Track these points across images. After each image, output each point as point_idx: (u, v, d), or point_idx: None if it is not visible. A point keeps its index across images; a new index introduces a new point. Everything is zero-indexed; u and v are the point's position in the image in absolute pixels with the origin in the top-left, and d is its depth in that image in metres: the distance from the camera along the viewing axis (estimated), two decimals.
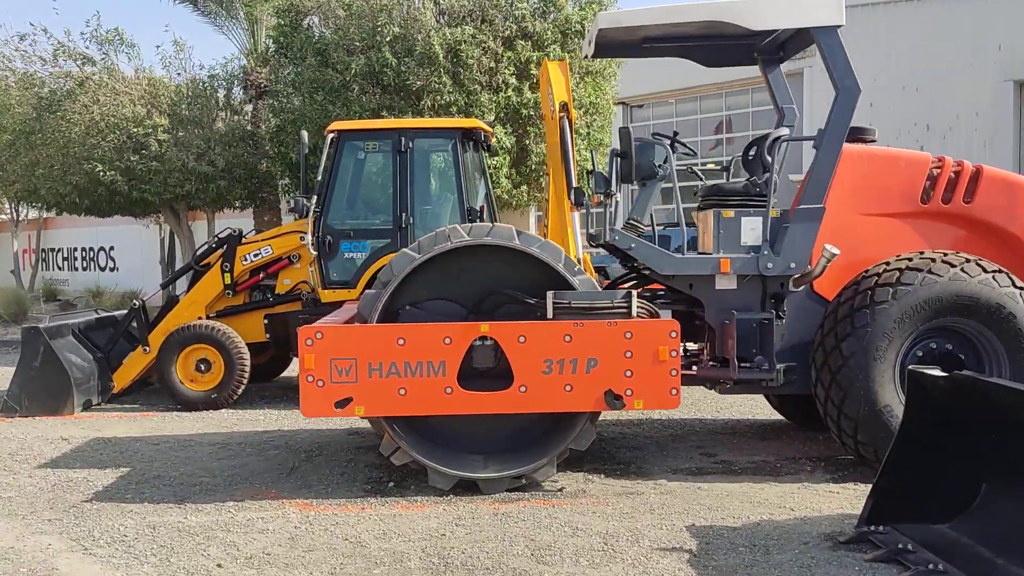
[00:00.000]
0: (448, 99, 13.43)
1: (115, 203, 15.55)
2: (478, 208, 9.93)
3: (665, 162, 7.32)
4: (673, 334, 6.08)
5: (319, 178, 9.91)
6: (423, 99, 13.57)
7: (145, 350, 10.15)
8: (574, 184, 9.75)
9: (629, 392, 6.11)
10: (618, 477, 6.67)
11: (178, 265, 23.84)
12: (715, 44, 7.83)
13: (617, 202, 7.07)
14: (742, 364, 6.70)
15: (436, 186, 10.39)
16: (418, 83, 13.34)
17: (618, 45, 7.67)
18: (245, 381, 9.84)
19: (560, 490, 6.31)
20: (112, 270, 27.65)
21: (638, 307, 6.20)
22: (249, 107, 16.05)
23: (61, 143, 15.09)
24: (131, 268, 26.30)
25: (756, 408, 9.18)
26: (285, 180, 14.71)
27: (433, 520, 5.70)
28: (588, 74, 14.44)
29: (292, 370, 12.06)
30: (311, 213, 9.82)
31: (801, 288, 6.89)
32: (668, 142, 7.51)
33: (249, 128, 15.65)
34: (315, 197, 9.88)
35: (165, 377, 9.81)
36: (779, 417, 8.60)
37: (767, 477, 6.59)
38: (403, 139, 9.80)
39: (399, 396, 6.09)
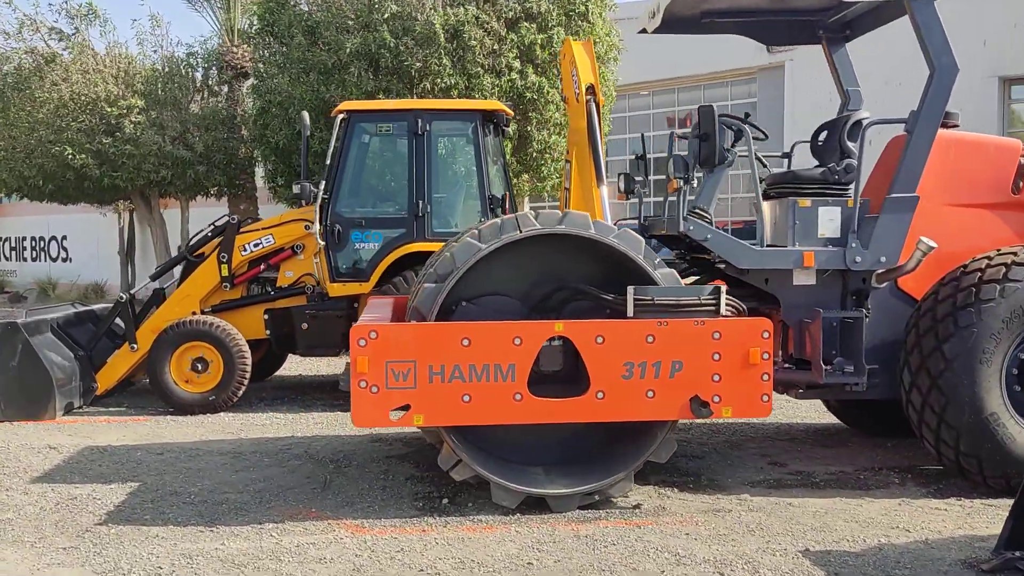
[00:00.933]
0: (448, 82, 12.72)
1: (83, 189, 14.50)
2: (500, 197, 9.25)
3: (733, 146, 6.71)
4: (765, 334, 5.49)
5: (327, 162, 9.15)
6: (421, 81, 12.84)
7: (132, 348, 9.29)
8: (604, 171, 9.18)
9: (716, 399, 5.51)
10: (692, 491, 6.06)
11: (139, 257, 22.85)
12: (779, 20, 7.29)
13: (687, 189, 6.42)
14: (825, 367, 6.14)
15: (455, 173, 9.67)
16: (417, 64, 12.60)
17: (680, 20, 7.04)
18: (246, 382, 9.04)
19: (636, 507, 5.68)
20: (65, 261, 26.39)
21: (726, 304, 5.58)
22: (238, 85, 15.08)
23: (27, 124, 14.00)
24: (86, 259, 25.09)
25: (798, 412, 8.65)
26: (269, 165, 13.81)
27: (510, 544, 5.03)
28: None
29: (287, 369, 11.28)
30: (319, 200, 9.06)
31: (884, 284, 6.35)
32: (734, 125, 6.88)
33: (228, 111, 14.70)
34: (323, 183, 9.11)
35: (157, 378, 8.97)
36: (830, 420, 8.08)
37: (856, 491, 6.03)
38: (419, 121, 9.08)
39: (463, 404, 5.40)
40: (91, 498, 6.04)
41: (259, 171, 15.45)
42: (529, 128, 13.32)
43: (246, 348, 9.04)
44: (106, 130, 14.00)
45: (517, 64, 12.96)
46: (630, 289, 5.51)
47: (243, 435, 8.01)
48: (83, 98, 13.91)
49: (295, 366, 11.60)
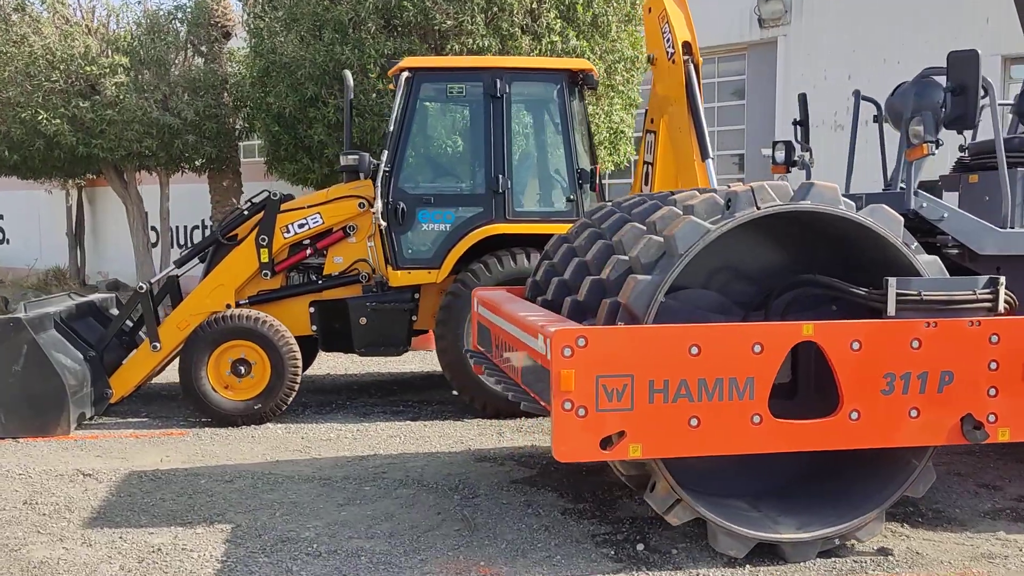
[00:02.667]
0: (480, 43, 11.38)
1: (53, 159, 12.71)
2: (589, 171, 8.03)
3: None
4: None
5: (390, 129, 7.81)
6: (449, 42, 11.49)
7: (154, 348, 7.82)
8: (708, 140, 8.07)
9: (992, 418, 4.44)
10: (928, 527, 4.99)
11: (88, 240, 20.92)
12: None
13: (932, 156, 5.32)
14: None
15: (537, 142, 8.40)
16: (447, 23, 11.23)
17: None
18: (296, 387, 7.69)
19: (886, 553, 4.59)
20: (1, 243, 24.16)
21: (1005, 298, 4.51)
22: (220, 47, 13.44)
23: None
24: (25, 242, 22.98)
25: None
26: (271, 136, 12.25)
27: None
28: (630, 22, 12.61)
29: (317, 368, 9.90)
30: (380, 173, 7.73)
31: None
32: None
33: (220, 73, 13.08)
34: (384, 153, 7.78)
35: (191, 383, 7.55)
36: None
37: None
38: (498, 81, 7.79)
39: (689, 429, 4.22)
40: (180, 549, 4.70)
41: (251, 143, 13.91)
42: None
43: (296, 347, 7.68)
44: (83, 92, 12.26)
45: (558, 25, 11.70)
46: (891, 281, 4.39)
47: (313, 453, 6.69)
48: (58, 55, 12.15)
49: (317, 364, 10.20)
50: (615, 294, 4.57)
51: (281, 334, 7.60)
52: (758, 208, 4.34)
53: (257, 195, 8.17)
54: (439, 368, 8.02)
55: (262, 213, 8.02)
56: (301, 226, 8.04)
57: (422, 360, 10.54)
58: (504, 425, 7.47)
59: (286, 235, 8.02)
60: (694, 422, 4.21)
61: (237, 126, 13.29)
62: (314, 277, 8.20)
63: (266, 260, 7.96)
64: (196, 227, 18.46)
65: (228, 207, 14.75)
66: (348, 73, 8.68)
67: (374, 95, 11.36)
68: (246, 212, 8.09)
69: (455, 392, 7.96)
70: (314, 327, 8.07)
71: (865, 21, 18.10)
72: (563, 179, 7.99)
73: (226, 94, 13.51)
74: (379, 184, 7.75)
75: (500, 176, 7.77)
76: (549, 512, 5.23)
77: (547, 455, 6.47)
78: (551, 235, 7.76)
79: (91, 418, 7.70)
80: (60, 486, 5.85)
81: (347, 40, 11.45)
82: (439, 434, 7.23)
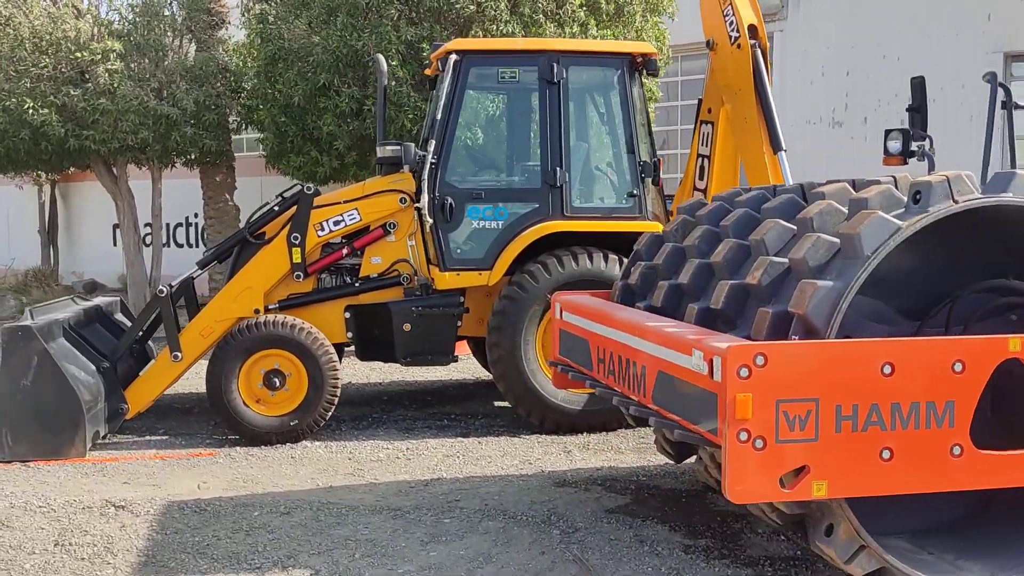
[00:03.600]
0: (504, 30, 10.70)
1: (39, 152, 11.75)
2: (652, 163, 7.39)
3: None
4: None
5: (437, 116, 7.10)
6: (471, 29, 10.80)
7: (175, 358, 7.04)
8: (779, 131, 7.49)
9: None
10: None
11: (61, 238, 19.86)
12: None
13: None
14: None
15: (596, 132, 7.73)
16: (470, 8, 10.54)
17: None
18: (336, 401, 6.96)
19: None
20: None
21: None
22: (215, 34, 12.58)
23: None
24: None
25: None
26: (275, 128, 11.45)
27: None
28: (655, 12, 12.00)
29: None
30: (427, 166, 7.04)
31: None
32: None
33: (220, 61, 12.22)
34: (431, 143, 7.08)
35: (221, 397, 6.79)
36: None
37: None
38: (555, 66, 7.12)
39: (880, 463, 3.57)
40: None
41: (243, 136, 13.08)
42: None
43: (336, 357, 6.95)
44: (73, 79, 11.35)
45: (581, 13, 11.06)
46: None
47: (368, 477, 5.97)
48: (46, 38, 11.21)
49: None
50: (766, 301, 3.94)
51: (320, 342, 6.86)
52: (955, 202, 3.72)
53: (288, 189, 7.42)
54: (468, 376, 7.35)
55: (293, 209, 7.28)
56: (337, 223, 7.31)
57: (446, 367, 9.81)
58: (567, 442, 6.81)
59: (320, 233, 7.28)
60: (886, 454, 3.57)
61: (234, 117, 12.44)
62: (348, 279, 7.48)
63: (299, 260, 7.21)
64: (180, 224, 17.56)
65: (221, 203, 13.93)
66: (382, 57, 7.99)
67: (393, 83, 10.64)
68: (276, 208, 7.33)
69: (508, 404, 7.28)
70: (349, 334, 7.34)
71: (863, 16, 17.71)
72: (625, 173, 7.34)
73: (219, 83, 12.66)
74: (426, 177, 7.04)
75: (557, 169, 7.09)
76: (669, 550, 4.58)
77: (633, 478, 5.82)
78: (610, 233, 7.21)
79: (104, 437, 6.91)
80: (92, 521, 5.08)
81: (363, 26, 10.73)
82: (500, 452, 6.54)
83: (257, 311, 7.12)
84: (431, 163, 7.06)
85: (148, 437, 7.11)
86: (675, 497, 5.42)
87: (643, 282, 5.25)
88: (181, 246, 17.52)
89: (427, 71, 8.29)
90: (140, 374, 7.18)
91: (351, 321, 7.35)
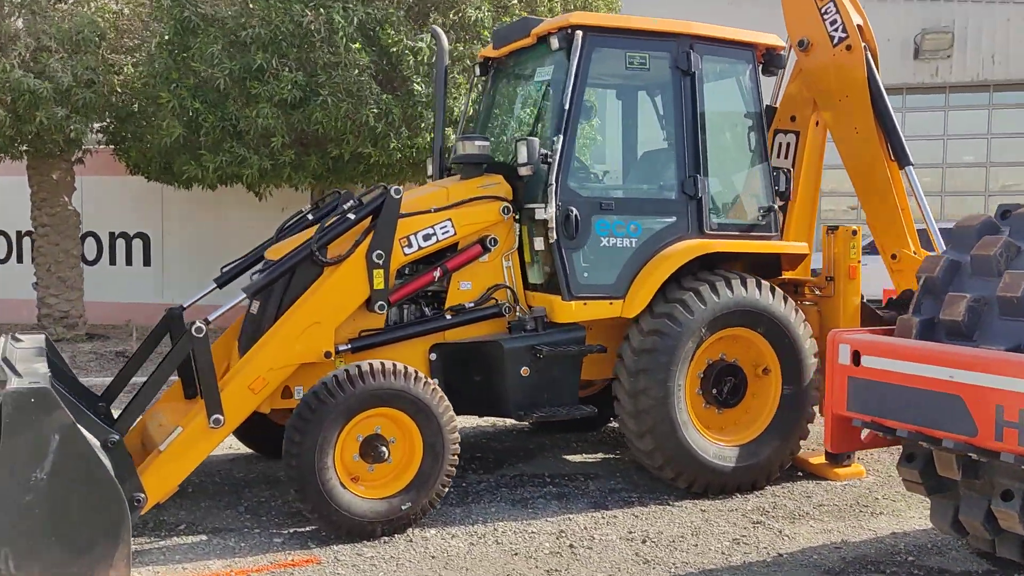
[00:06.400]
0: (474, 16, 9.29)
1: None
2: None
3: None
4: None
5: (560, 107, 5.63)
6: (430, 15, 9.36)
7: (216, 422, 5.00)
8: (904, 143, 6.78)
9: None
10: None
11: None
12: None
13: None
14: None
15: (724, 134, 6.50)
16: None
17: None
18: (454, 474, 5.26)
19: None
20: None
21: None
22: None
23: None
24: None
25: None
26: (184, 118, 9.14)
27: None
28: None
29: None
30: (553, 168, 5.56)
31: None
32: None
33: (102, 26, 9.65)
34: (558, 139, 5.59)
35: (315, 478, 4.86)
36: None
37: None
38: (691, 53, 5.91)
39: None
40: None
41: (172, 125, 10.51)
42: None
43: (455, 419, 5.26)
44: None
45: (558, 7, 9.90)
46: None
47: None
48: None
49: None
50: None
51: (440, 397, 5.15)
52: None
53: (368, 191, 5.61)
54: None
55: (370, 219, 5.50)
56: (427, 238, 5.63)
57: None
58: (737, 507, 5.58)
59: (408, 250, 5.58)
60: None
61: (142, 100, 9.95)
62: (427, 310, 5.80)
63: (382, 286, 5.44)
64: None
65: (58, 208, 11.18)
66: (440, 31, 6.39)
67: (355, 71, 8.87)
68: (352, 216, 5.48)
69: (647, 464, 5.87)
70: (435, 379, 5.63)
71: (891, 7, 17.90)
72: (759, 183, 6.24)
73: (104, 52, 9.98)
74: (553, 181, 5.55)
75: (696, 176, 5.86)
76: None
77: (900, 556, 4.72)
78: (746, 254, 6.11)
79: None
80: None
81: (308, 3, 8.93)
82: (691, 531, 5.17)
83: (328, 354, 5.29)
84: (554, 163, 5.57)
85: (184, 535, 5.03)
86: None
87: (971, 318, 4.20)
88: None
89: (482, 52, 6.76)
90: (160, 448, 5.07)
91: (437, 364, 5.67)
